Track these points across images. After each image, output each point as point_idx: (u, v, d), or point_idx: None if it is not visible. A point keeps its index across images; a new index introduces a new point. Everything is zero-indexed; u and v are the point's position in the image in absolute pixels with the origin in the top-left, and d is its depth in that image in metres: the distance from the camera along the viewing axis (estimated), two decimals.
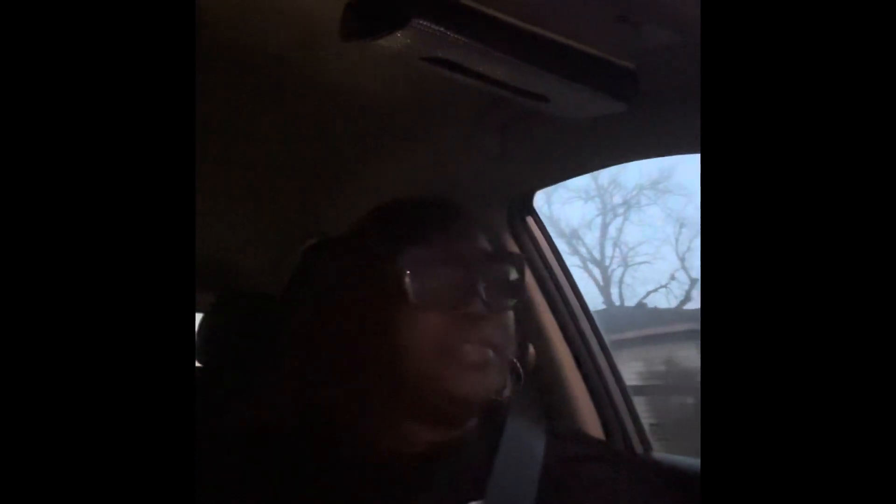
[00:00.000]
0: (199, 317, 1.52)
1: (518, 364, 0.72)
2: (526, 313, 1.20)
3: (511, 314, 0.69)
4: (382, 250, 0.67)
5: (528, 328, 1.21)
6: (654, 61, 0.74)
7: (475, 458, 0.68)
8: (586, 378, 1.22)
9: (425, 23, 0.65)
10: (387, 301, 0.65)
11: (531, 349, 1.20)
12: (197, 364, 1.45)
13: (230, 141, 1.13)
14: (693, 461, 1.08)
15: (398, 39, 0.67)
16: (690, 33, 0.67)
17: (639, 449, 1.20)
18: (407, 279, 0.64)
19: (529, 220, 1.25)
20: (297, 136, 1.11)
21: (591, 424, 1.20)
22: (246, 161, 1.24)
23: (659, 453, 1.20)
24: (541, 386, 1.22)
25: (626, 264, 11.60)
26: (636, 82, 0.77)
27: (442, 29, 0.66)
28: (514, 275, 0.70)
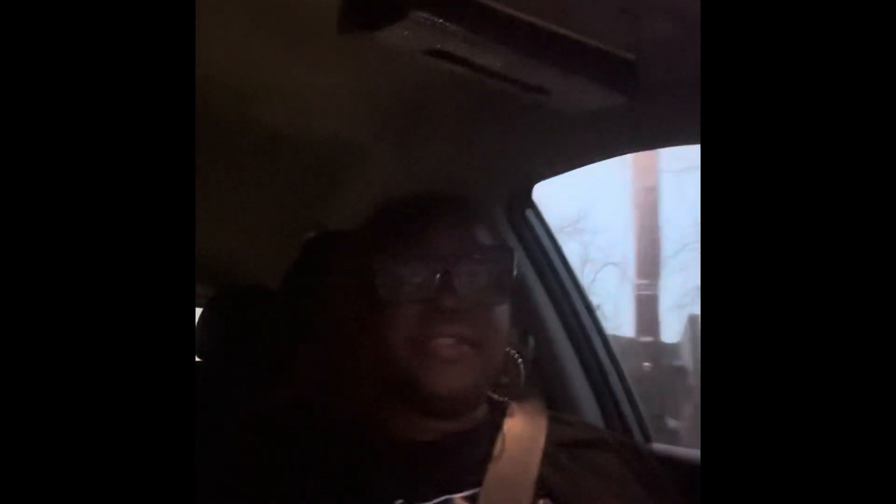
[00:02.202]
0: (198, 312, 1.51)
1: (518, 356, 0.72)
2: (526, 305, 1.19)
3: (502, 309, 0.68)
4: (360, 246, 0.68)
5: (529, 320, 1.21)
6: (654, 53, 0.74)
7: (480, 446, 0.68)
8: (587, 370, 1.22)
9: (424, 15, 0.65)
10: (362, 295, 0.66)
11: (531, 341, 1.19)
12: (197, 359, 1.45)
13: (229, 136, 1.12)
14: (693, 452, 1.08)
15: (397, 32, 0.67)
16: (691, 25, 0.67)
17: (639, 440, 1.20)
18: (376, 273, 0.65)
19: (529, 212, 1.24)
20: (297, 131, 1.11)
21: (592, 416, 1.20)
22: (245, 156, 1.24)
23: (658, 444, 1.20)
24: (542, 378, 1.21)
25: None
26: (636, 74, 0.76)
27: (441, 21, 0.66)
28: (503, 269, 0.68)
